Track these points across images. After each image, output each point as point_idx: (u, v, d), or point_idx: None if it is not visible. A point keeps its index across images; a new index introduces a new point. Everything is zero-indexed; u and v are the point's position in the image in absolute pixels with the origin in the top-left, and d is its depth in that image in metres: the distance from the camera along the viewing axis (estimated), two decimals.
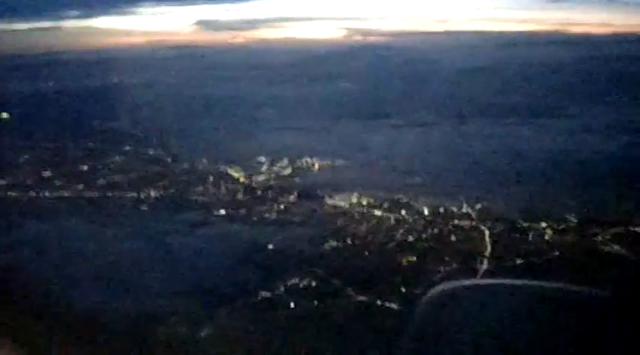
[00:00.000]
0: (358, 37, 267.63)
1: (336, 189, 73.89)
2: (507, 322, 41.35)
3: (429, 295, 46.64)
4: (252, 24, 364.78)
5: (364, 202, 71.58)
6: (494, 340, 38.55)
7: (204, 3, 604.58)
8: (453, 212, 67.32)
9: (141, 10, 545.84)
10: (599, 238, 60.65)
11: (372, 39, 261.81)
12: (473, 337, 38.61)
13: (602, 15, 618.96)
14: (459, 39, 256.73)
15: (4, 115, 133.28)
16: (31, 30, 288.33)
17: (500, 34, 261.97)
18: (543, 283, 47.88)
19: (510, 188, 71.25)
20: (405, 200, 70.78)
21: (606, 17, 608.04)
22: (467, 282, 49.19)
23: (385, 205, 70.13)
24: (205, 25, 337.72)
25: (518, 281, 49.09)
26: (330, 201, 73.03)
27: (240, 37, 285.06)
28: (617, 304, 44.97)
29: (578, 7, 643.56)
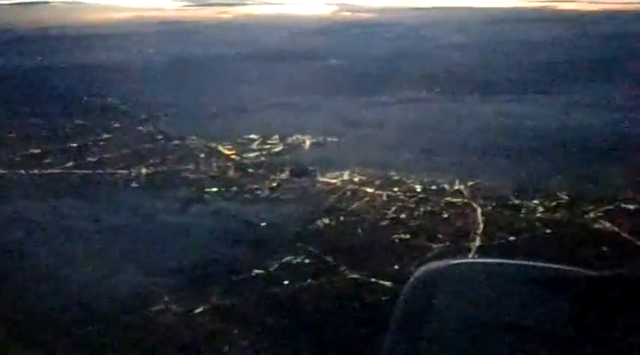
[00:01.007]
0: (347, 13, 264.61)
1: (328, 166, 73.27)
2: (496, 301, 41.08)
3: (417, 274, 46.44)
4: (240, 0, 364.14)
5: (356, 179, 71.13)
6: (481, 320, 38.39)
7: None
8: (445, 189, 67.02)
9: None
10: (591, 215, 60.85)
11: (361, 15, 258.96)
12: (460, 316, 38.43)
13: None
14: (448, 15, 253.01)
15: None
16: (14, 5, 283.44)
17: (489, 10, 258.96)
18: (531, 262, 48.02)
19: (502, 165, 70.96)
20: (397, 177, 70.35)
21: None
22: (455, 261, 49.36)
23: (377, 182, 69.67)
24: (193, 0, 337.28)
25: (509, 261, 49.52)
26: (321, 178, 72.60)
27: (228, 13, 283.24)
28: (607, 283, 45.11)
29: None
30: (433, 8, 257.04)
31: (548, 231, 54.19)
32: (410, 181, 65.33)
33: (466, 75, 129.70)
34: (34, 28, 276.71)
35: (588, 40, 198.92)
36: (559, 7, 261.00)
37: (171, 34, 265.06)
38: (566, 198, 60.38)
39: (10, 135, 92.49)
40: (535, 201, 60.01)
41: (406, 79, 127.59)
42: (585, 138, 79.03)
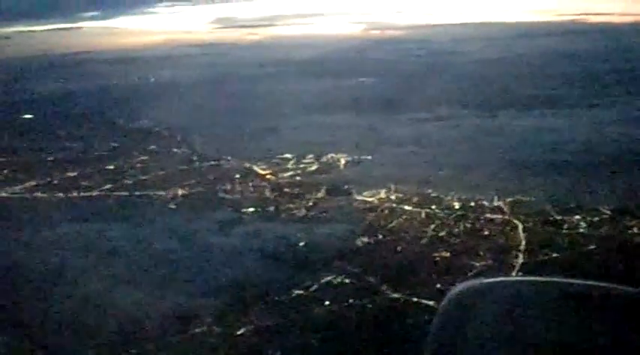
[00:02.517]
0: (375, 32, 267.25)
1: (364, 184, 73.13)
2: (537, 320, 40.46)
3: (451, 293, 45.77)
4: (269, 20, 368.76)
5: (393, 197, 70.80)
6: (521, 338, 37.77)
7: (220, 1, 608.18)
8: (484, 205, 66.34)
9: (158, 10, 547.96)
10: (634, 230, 59.75)
11: (389, 32, 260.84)
12: (499, 334, 37.80)
13: (621, 4, 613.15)
14: (477, 30, 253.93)
15: (28, 116, 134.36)
16: (50, 31, 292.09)
17: (518, 25, 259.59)
18: (569, 279, 47.11)
19: (541, 180, 70.16)
20: (434, 194, 69.95)
21: (626, 6, 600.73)
22: (490, 279, 48.71)
23: (415, 200, 69.24)
24: (221, 22, 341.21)
25: (553, 278, 48.71)
26: (358, 197, 72.37)
27: (257, 34, 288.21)
28: None
29: None
30: (461, 24, 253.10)
31: (592, 247, 53.04)
32: (448, 198, 64.55)
33: (500, 90, 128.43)
34: (68, 52, 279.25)
35: (622, 53, 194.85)
36: (590, 20, 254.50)
37: (202, 56, 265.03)
38: (609, 213, 59.09)
39: (48, 158, 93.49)
40: (577, 217, 58.69)
41: (440, 96, 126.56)
42: (625, 152, 77.48)
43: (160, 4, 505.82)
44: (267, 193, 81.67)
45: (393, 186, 76.08)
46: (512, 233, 62.16)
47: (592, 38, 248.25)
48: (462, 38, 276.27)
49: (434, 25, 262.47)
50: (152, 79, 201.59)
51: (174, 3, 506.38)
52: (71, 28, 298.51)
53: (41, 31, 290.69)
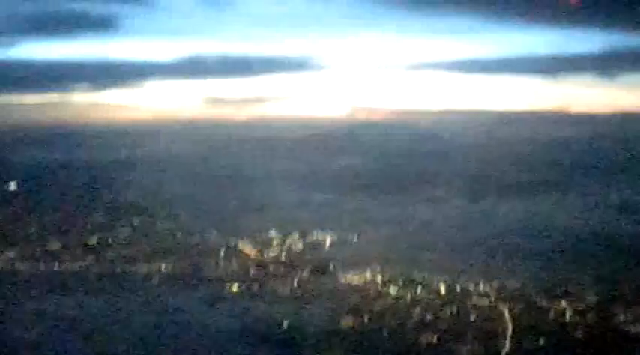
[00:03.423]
0: (362, 114, 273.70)
1: (349, 264, 72.89)
2: None
3: None
4: (257, 100, 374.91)
5: (378, 279, 70.38)
6: None
7: (210, 78, 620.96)
8: (469, 290, 66.06)
9: (149, 83, 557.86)
10: (621, 318, 59.53)
11: (375, 116, 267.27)
12: None
13: (603, 94, 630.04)
14: (462, 116, 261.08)
15: (12, 185, 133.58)
16: (40, 104, 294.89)
17: (501, 112, 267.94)
18: None
19: (527, 264, 70.36)
20: (420, 277, 69.75)
21: (607, 96, 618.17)
22: None
23: (400, 282, 68.92)
24: (210, 100, 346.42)
25: None
26: (343, 277, 71.95)
27: (246, 113, 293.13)
28: None
29: (578, 86, 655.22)
30: (446, 111, 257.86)
31: (579, 334, 52.58)
32: (434, 281, 64.28)
33: (483, 175, 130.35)
34: (58, 126, 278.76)
35: (603, 142, 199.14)
36: (572, 109, 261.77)
37: (190, 133, 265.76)
38: (595, 299, 58.98)
39: (30, 229, 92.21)
40: (563, 303, 58.40)
41: (424, 179, 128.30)
42: (609, 238, 78.01)
43: (151, 78, 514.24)
44: (252, 271, 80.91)
45: (378, 267, 75.87)
46: (498, 318, 61.76)
47: (574, 127, 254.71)
48: (446, 124, 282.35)
49: (418, 112, 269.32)
50: (139, 154, 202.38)
51: (166, 77, 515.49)
52: (61, 100, 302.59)
53: (31, 102, 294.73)
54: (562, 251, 74.42)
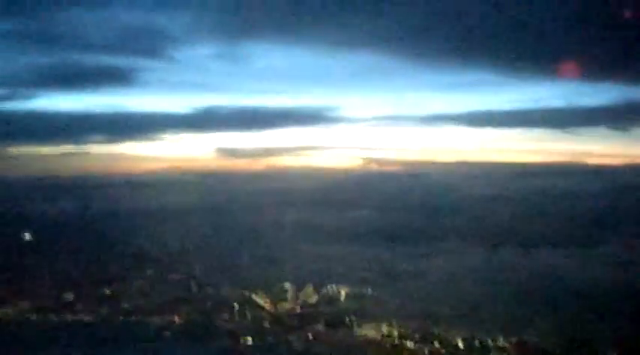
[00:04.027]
0: (374, 166, 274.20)
1: (365, 318, 71.85)
2: None
3: None
4: (270, 151, 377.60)
5: (395, 333, 69.23)
6: None
7: (225, 130, 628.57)
8: (488, 345, 64.92)
9: (164, 136, 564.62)
10: None
11: (388, 168, 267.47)
12: None
13: (616, 145, 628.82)
14: (475, 168, 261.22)
15: (27, 236, 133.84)
16: (58, 155, 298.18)
17: (516, 165, 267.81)
18: None
19: (545, 319, 69.13)
20: (437, 331, 68.60)
21: (621, 148, 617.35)
22: None
23: (417, 336, 67.79)
24: (224, 151, 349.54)
25: None
26: (359, 331, 70.90)
27: (259, 164, 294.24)
28: None
29: (591, 138, 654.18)
30: (459, 162, 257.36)
31: None
32: (451, 335, 63.15)
33: (499, 227, 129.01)
34: (73, 175, 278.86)
35: (617, 194, 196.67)
36: (586, 160, 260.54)
37: (204, 184, 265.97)
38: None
39: (44, 280, 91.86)
40: None
41: (440, 231, 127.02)
42: (629, 292, 76.39)
43: (168, 130, 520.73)
44: (266, 324, 80.00)
45: (394, 321, 74.79)
46: None
47: (588, 179, 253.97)
48: (459, 175, 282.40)
49: (431, 162, 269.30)
50: (153, 205, 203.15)
51: (180, 130, 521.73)
52: (78, 151, 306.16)
53: (49, 153, 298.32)
54: (581, 305, 73.07)
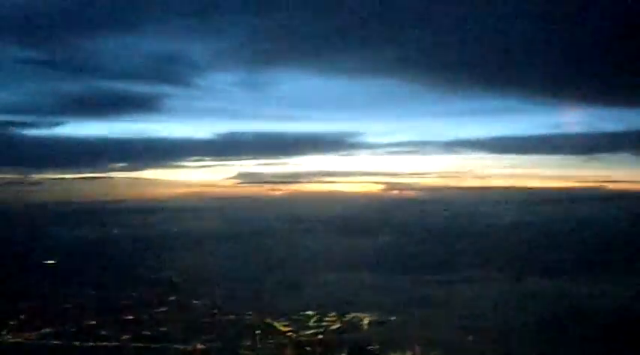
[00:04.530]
0: (395, 192, 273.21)
1: (389, 346, 70.90)
2: None
3: None
4: (290, 177, 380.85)
5: None
6: None
7: (247, 156, 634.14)
8: None
9: (185, 163, 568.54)
10: None
11: (409, 193, 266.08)
12: None
13: (638, 172, 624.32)
14: (495, 195, 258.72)
15: (50, 262, 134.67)
16: (79, 179, 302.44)
17: (537, 191, 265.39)
18: None
19: (573, 350, 67.68)
20: None
21: None
22: None
23: None
24: (246, 177, 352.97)
25: None
26: None
27: (279, 190, 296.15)
28: None
29: (613, 165, 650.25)
30: (479, 187, 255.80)
31: None
32: None
33: (523, 254, 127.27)
34: (95, 201, 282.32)
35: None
36: (609, 187, 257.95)
37: (226, 210, 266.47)
38: None
39: (66, 305, 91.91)
40: None
41: (464, 258, 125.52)
42: None
43: (188, 158, 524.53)
44: (288, 352, 79.19)
45: (418, 348, 73.69)
46: None
47: (609, 206, 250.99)
48: (481, 202, 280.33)
49: (452, 188, 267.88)
50: (175, 230, 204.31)
51: (202, 157, 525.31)
52: (100, 177, 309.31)
53: (71, 178, 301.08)
54: (607, 335, 71.46)
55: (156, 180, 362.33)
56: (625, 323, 79.82)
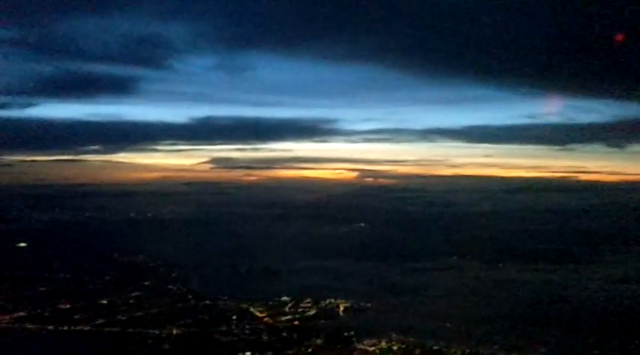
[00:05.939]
0: (369, 179, 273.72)
1: (365, 332, 71.28)
2: None
3: None
4: (265, 163, 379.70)
5: (395, 348, 68.74)
6: None
7: (220, 143, 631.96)
8: None
9: (159, 147, 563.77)
10: None
11: (383, 181, 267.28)
12: None
13: (610, 163, 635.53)
14: (471, 183, 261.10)
15: (22, 245, 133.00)
16: (52, 161, 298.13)
17: (511, 180, 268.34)
18: None
19: (546, 336, 68.74)
20: (437, 346, 68.06)
21: (615, 165, 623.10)
22: None
23: (417, 352, 67.23)
24: (220, 162, 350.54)
25: None
26: (359, 346, 70.27)
27: (253, 175, 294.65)
28: None
29: (586, 155, 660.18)
30: (455, 176, 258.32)
31: None
32: (451, 351, 62.56)
33: (498, 242, 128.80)
34: (67, 184, 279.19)
35: (613, 211, 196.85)
36: (580, 178, 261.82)
37: (199, 195, 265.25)
38: None
39: (40, 289, 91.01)
40: None
41: (439, 246, 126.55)
42: (633, 312, 76.10)
43: (162, 143, 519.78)
44: (265, 337, 79.15)
45: (394, 335, 74.20)
46: None
47: (582, 196, 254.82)
48: (456, 190, 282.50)
49: (427, 176, 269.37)
50: (149, 214, 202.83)
51: (176, 141, 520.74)
52: (73, 160, 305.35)
53: (43, 161, 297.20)
54: (586, 324, 72.77)
55: (130, 163, 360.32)
56: (598, 310, 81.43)
